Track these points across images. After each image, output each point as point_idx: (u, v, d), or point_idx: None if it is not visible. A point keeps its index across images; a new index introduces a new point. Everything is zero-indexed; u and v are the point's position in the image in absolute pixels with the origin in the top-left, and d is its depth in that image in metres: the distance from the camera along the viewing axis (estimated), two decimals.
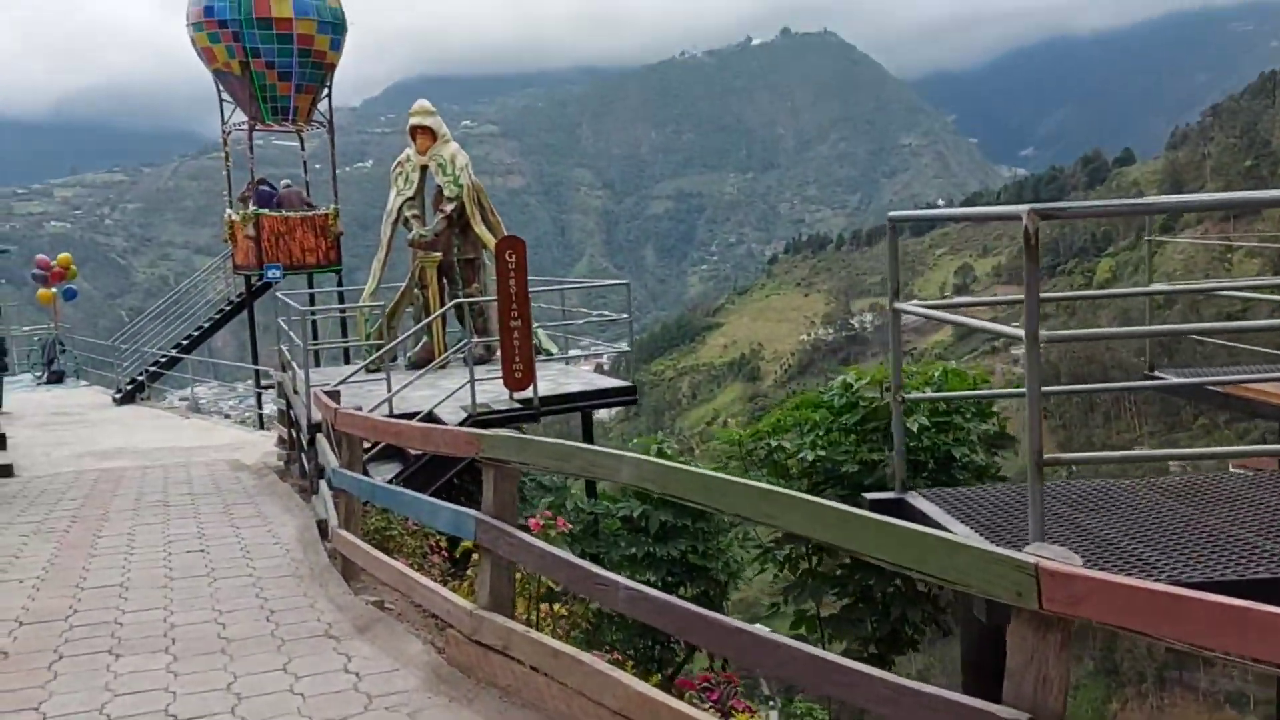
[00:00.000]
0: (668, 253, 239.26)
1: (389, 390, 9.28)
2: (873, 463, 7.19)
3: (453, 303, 11.82)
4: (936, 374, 7.45)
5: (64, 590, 6.12)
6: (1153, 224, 7.41)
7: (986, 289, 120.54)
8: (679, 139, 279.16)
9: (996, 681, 2.31)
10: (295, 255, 20.27)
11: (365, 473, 7.00)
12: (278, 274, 18.34)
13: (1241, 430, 55.35)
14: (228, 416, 21.76)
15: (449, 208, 12.64)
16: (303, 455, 10.77)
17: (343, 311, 19.31)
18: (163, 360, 20.26)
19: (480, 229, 12.74)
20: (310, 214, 20.92)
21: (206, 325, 20.96)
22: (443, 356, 11.06)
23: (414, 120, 12.90)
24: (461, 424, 8.61)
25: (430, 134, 12.81)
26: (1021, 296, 3.41)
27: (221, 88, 20.82)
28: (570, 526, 6.06)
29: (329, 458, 7.01)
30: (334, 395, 7.80)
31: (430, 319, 12.02)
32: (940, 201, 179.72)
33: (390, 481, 7.99)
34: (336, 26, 20.75)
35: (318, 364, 13.52)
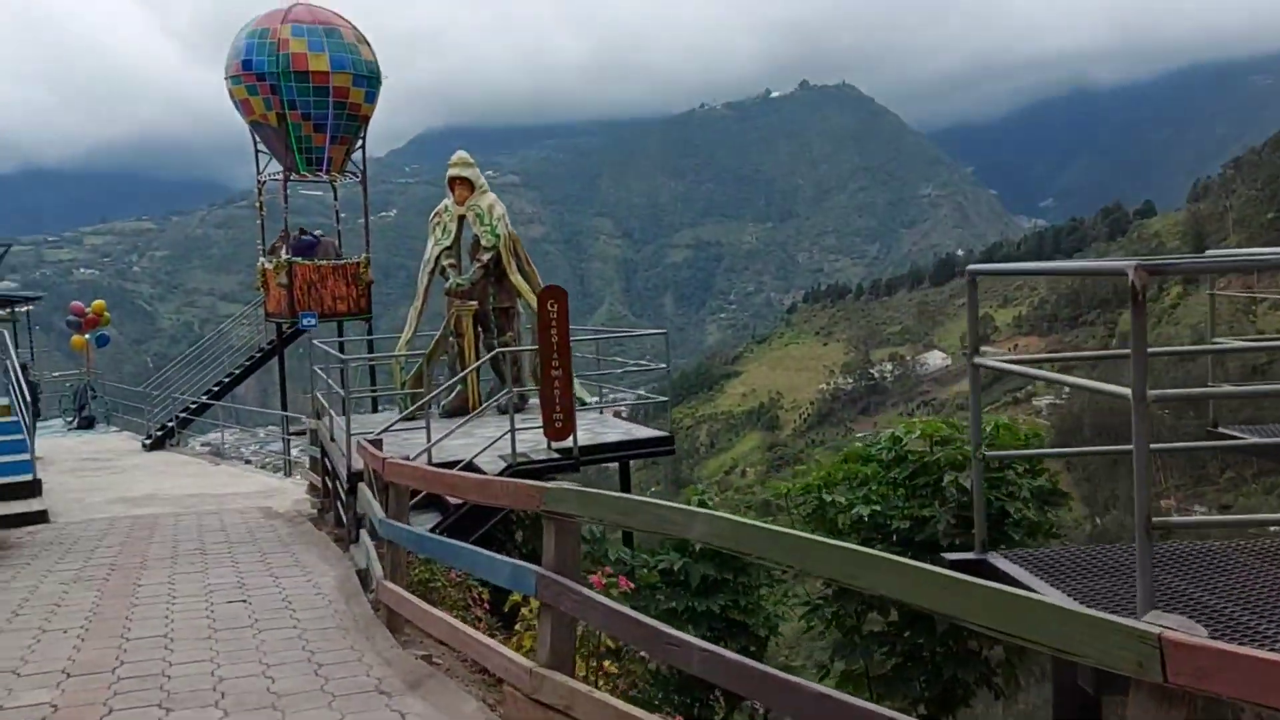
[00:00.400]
0: (686, 301, 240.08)
1: (428, 439, 9.25)
2: (922, 518, 7.08)
3: (494, 351, 11.84)
4: (988, 429, 7.36)
5: (109, 641, 6.08)
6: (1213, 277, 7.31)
7: (1007, 339, 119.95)
8: (698, 189, 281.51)
9: None
10: (327, 303, 20.43)
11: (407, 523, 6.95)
12: (313, 322, 18.47)
13: (1269, 485, 54.39)
14: (249, 462, 21.80)
15: (485, 257, 12.73)
16: (338, 503, 10.75)
17: (374, 360, 19.39)
18: (193, 406, 20.37)
19: (516, 278, 12.81)
20: (342, 263, 21.14)
21: (237, 372, 21.07)
22: (485, 405, 11.05)
23: (452, 171, 13.04)
24: (501, 474, 8.56)
25: (468, 185, 12.95)
26: (1128, 351, 3.34)
27: (258, 138, 21.17)
28: (632, 585, 5.97)
29: (373, 507, 6.97)
30: (376, 444, 7.80)
31: (471, 368, 12.04)
32: (959, 252, 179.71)
33: (432, 531, 7.93)
34: (371, 80, 21.11)
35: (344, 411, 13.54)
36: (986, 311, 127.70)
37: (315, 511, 12.01)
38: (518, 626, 5.83)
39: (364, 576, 7.88)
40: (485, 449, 9.20)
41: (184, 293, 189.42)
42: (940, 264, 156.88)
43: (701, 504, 8.56)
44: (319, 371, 12.36)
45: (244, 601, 7.09)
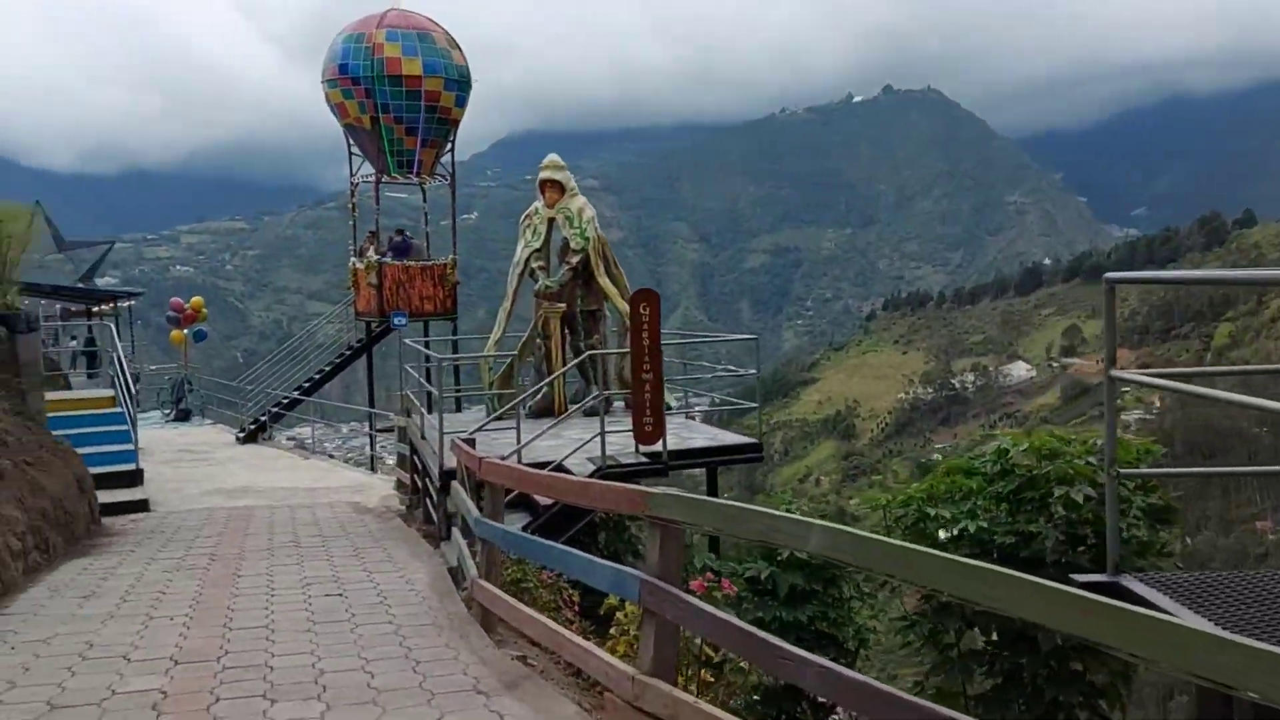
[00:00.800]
0: (763, 306, 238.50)
1: (518, 439, 9.30)
2: (1028, 534, 6.84)
3: (585, 354, 11.89)
4: (1098, 443, 7.08)
5: (213, 630, 6.21)
6: None
7: (1096, 352, 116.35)
8: (777, 194, 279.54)
9: None
10: (414, 303, 20.78)
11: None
12: (403, 321, 18.80)
13: None
14: (332, 456, 22.31)
15: (574, 259, 12.79)
16: (428, 500, 10.88)
17: (457, 360, 19.66)
18: (284, 402, 20.91)
19: (604, 281, 12.84)
20: (429, 263, 21.49)
21: (327, 369, 21.56)
22: (577, 407, 11.07)
23: (544, 174, 13.14)
24: (590, 476, 8.55)
25: (559, 188, 13.03)
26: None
27: (351, 141, 21.66)
28: (735, 590, 5.89)
29: (468, 506, 7.01)
30: (470, 443, 7.86)
31: (564, 369, 12.10)
32: (1046, 261, 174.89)
33: (523, 531, 7.96)
34: (462, 84, 21.43)
35: (430, 409, 13.73)
36: (1074, 322, 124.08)
37: (404, 507, 12.18)
38: (612, 631, 5.79)
39: (455, 574, 7.94)
40: (574, 451, 9.20)
41: (273, 291, 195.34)
42: (1026, 273, 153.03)
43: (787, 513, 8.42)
44: (409, 370, 12.55)
45: (340, 595, 7.19)
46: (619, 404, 12.41)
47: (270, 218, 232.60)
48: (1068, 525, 6.72)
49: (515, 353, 12.97)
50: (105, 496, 11.18)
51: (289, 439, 22.57)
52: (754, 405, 10.30)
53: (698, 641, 4.84)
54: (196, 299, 24.96)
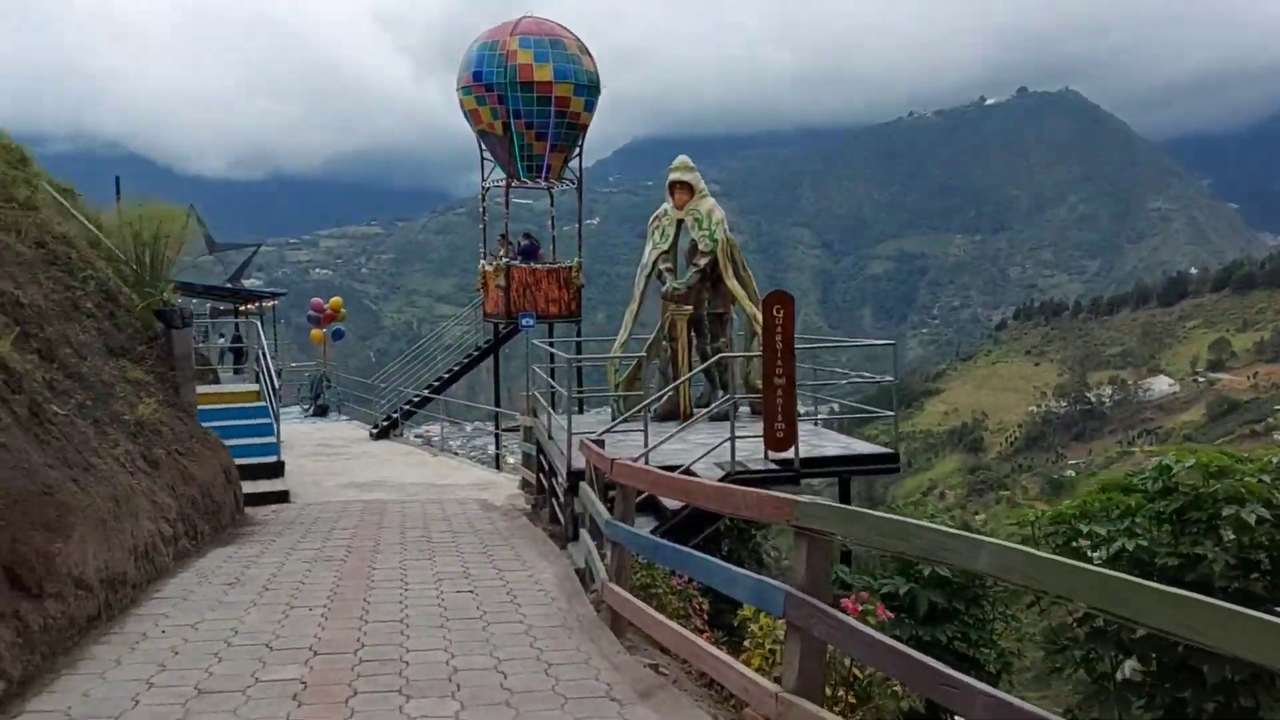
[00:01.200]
0: (886, 314, 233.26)
1: (645, 442, 9.20)
2: (1194, 557, 6.32)
3: (717, 356, 11.75)
4: (1276, 460, 6.51)
5: (350, 622, 6.30)
6: None
7: (1246, 367, 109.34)
8: (903, 199, 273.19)
9: None
10: (540, 305, 21.03)
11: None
12: (531, 323, 19.04)
13: None
14: (456, 454, 22.79)
15: (702, 261, 12.64)
16: (554, 500, 10.91)
17: (579, 361, 19.78)
18: (415, 400, 21.47)
19: (732, 284, 12.65)
20: (555, 266, 21.72)
21: (455, 369, 22.03)
22: (708, 410, 10.92)
23: (673, 175, 13.05)
24: (720, 481, 8.37)
25: (688, 189, 12.91)
26: None
27: (484, 147, 22.09)
28: (890, 614, 5.63)
29: (597, 508, 6.94)
30: (599, 445, 7.79)
31: (693, 373, 11.98)
32: (1193, 270, 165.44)
33: (651, 534, 7.84)
34: (591, 89, 21.59)
35: (553, 409, 13.79)
36: (1222, 335, 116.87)
37: (529, 506, 12.27)
38: (746, 643, 5.61)
39: (583, 575, 7.90)
40: (704, 456, 9.03)
41: (405, 293, 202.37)
42: (1170, 282, 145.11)
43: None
44: (536, 371, 12.64)
45: (471, 592, 7.22)
46: (744, 409, 12.20)
47: (403, 223, 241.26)
48: (1238, 549, 6.18)
49: (643, 354, 12.90)
50: (249, 487, 11.62)
51: (416, 436, 23.18)
52: (889, 413, 9.91)
53: (845, 661, 4.61)
54: (336, 299, 25.95)
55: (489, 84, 20.73)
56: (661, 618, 5.36)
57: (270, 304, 25.86)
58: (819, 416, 12.64)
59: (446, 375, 21.95)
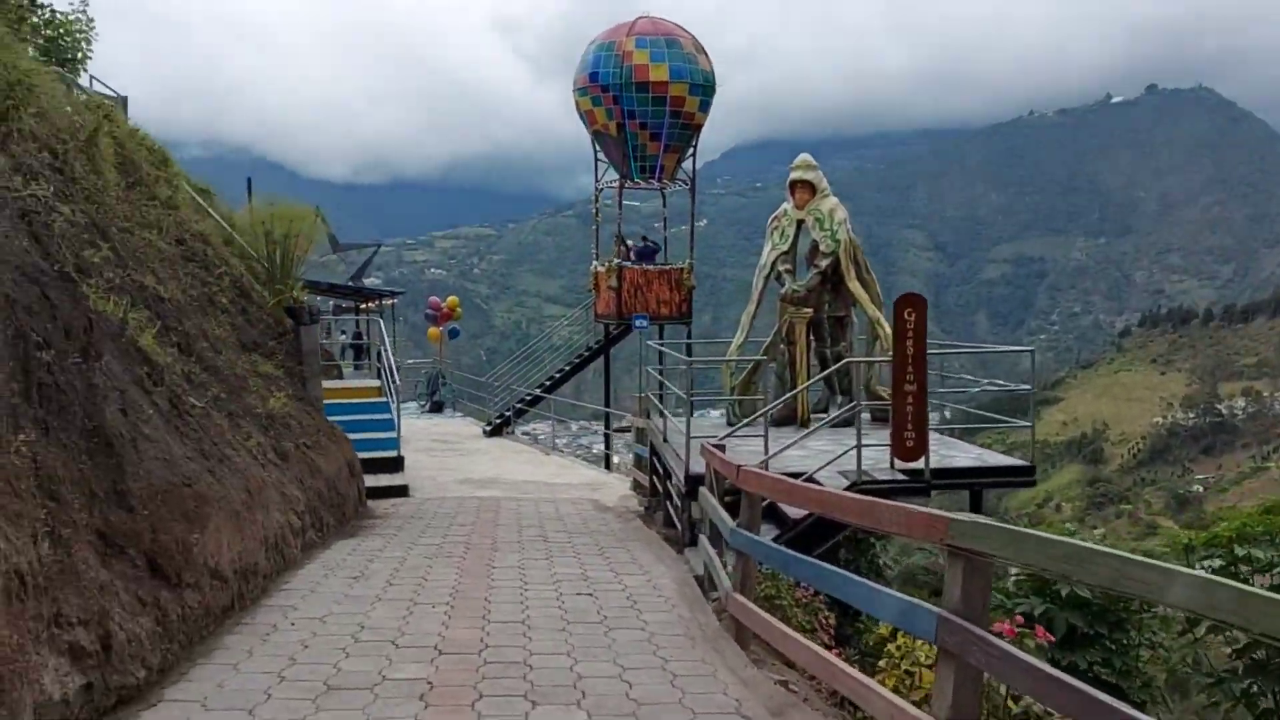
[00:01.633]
0: (1002, 320, 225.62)
1: (765, 448, 8.96)
2: None
3: (845, 360, 11.42)
4: None
5: (473, 621, 6.28)
6: None
7: None
8: (1021, 200, 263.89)
9: None
10: (651, 306, 20.97)
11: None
12: (645, 324, 18.97)
13: None
14: (562, 452, 22.91)
15: (824, 263, 12.31)
16: (667, 504, 10.77)
17: (690, 363, 19.63)
18: (528, 398, 21.67)
19: (854, 286, 12.29)
20: (667, 268, 21.62)
21: (566, 369, 22.15)
22: (838, 414, 10.61)
23: (794, 174, 12.75)
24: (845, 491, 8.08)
25: (810, 188, 12.60)
26: None
27: (598, 148, 22.15)
28: (1052, 638, 5.30)
29: (721, 515, 6.76)
30: (720, 449, 7.60)
31: (819, 376, 11.67)
32: None
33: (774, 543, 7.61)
34: (706, 89, 21.42)
35: (661, 411, 13.63)
36: None
37: (642, 509, 12.17)
38: (881, 663, 5.34)
39: (701, 582, 7.72)
40: (829, 464, 8.73)
41: (515, 293, 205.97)
42: None
43: None
44: (651, 372, 12.52)
45: (590, 595, 7.12)
46: (864, 415, 11.81)
47: (514, 224, 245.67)
48: None
49: (761, 357, 12.63)
50: (369, 480, 11.84)
51: (523, 434, 23.39)
52: (1025, 423, 9.42)
53: (1000, 689, 4.31)
54: (452, 298, 26.45)
55: (605, 85, 20.77)
56: (795, 634, 5.13)
57: (390, 302, 26.49)
58: (941, 427, 12.15)
59: (558, 375, 22.08)
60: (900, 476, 8.81)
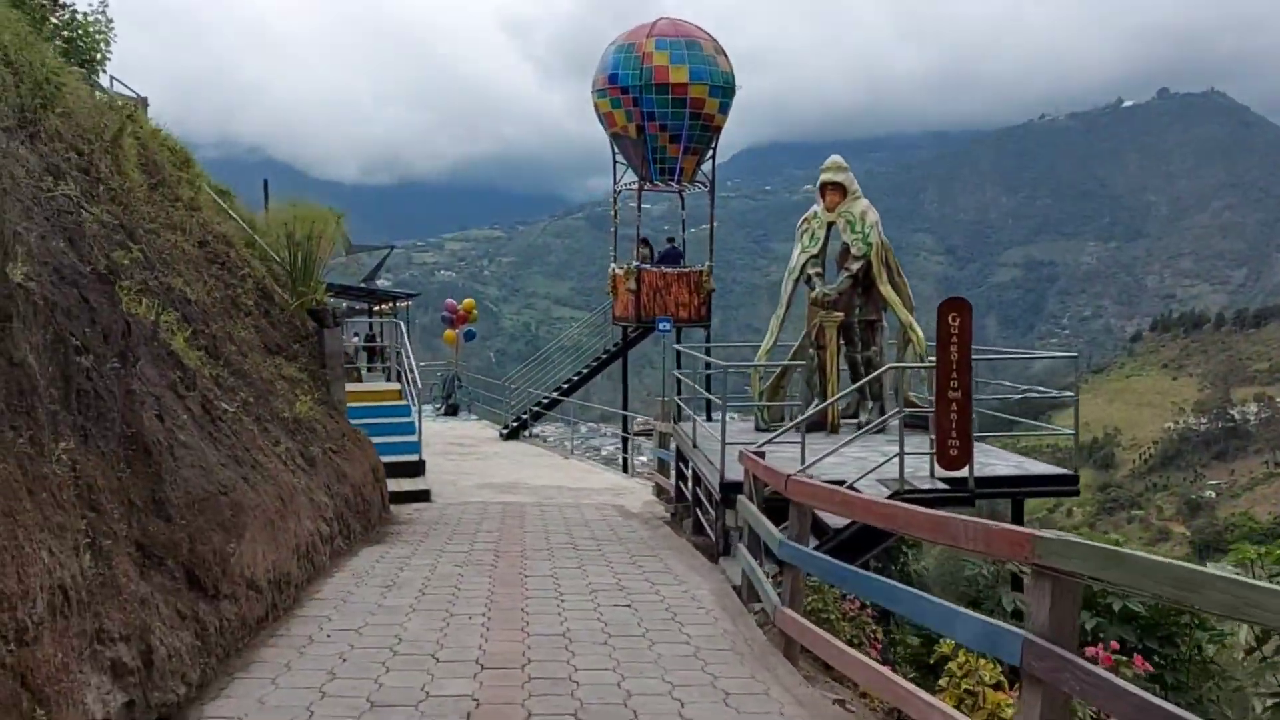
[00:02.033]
0: (1012, 324, 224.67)
1: (802, 456, 8.77)
2: None
3: (887, 366, 11.24)
4: None
5: (512, 634, 6.10)
6: None
7: None
8: (1032, 204, 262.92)
9: None
10: (670, 310, 20.78)
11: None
12: (668, 327, 18.80)
13: None
14: (570, 453, 22.73)
15: (855, 266, 12.12)
16: (697, 511, 10.59)
17: (708, 366, 19.45)
18: (544, 402, 21.51)
19: (886, 289, 12.09)
20: (686, 270, 21.44)
21: (585, 371, 21.98)
22: (874, 423, 10.41)
23: (825, 176, 12.56)
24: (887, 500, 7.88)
25: (840, 190, 12.41)
26: None
27: (616, 150, 21.98)
28: (1150, 668, 5.10)
29: (766, 527, 6.57)
30: (760, 457, 7.42)
31: (862, 382, 11.46)
32: None
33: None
34: (726, 90, 21.24)
35: (677, 416, 13.45)
36: None
37: (668, 515, 12.00)
38: (942, 682, 5.15)
39: (740, 592, 7.54)
40: (870, 473, 8.53)
41: (524, 295, 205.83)
42: None
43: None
44: (679, 377, 12.35)
45: (629, 606, 6.94)
46: (893, 422, 11.60)
47: (524, 226, 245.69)
48: None
49: (799, 362, 12.42)
50: (391, 485, 11.67)
51: (533, 436, 23.24)
52: (1069, 432, 9.19)
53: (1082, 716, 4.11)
54: (468, 301, 26.33)
55: (624, 87, 20.61)
56: (856, 653, 4.94)
57: (404, 304, 26.38)
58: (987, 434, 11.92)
59: (575, 378, 21.92)
60: (941, 485, 8.62)
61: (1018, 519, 8.92)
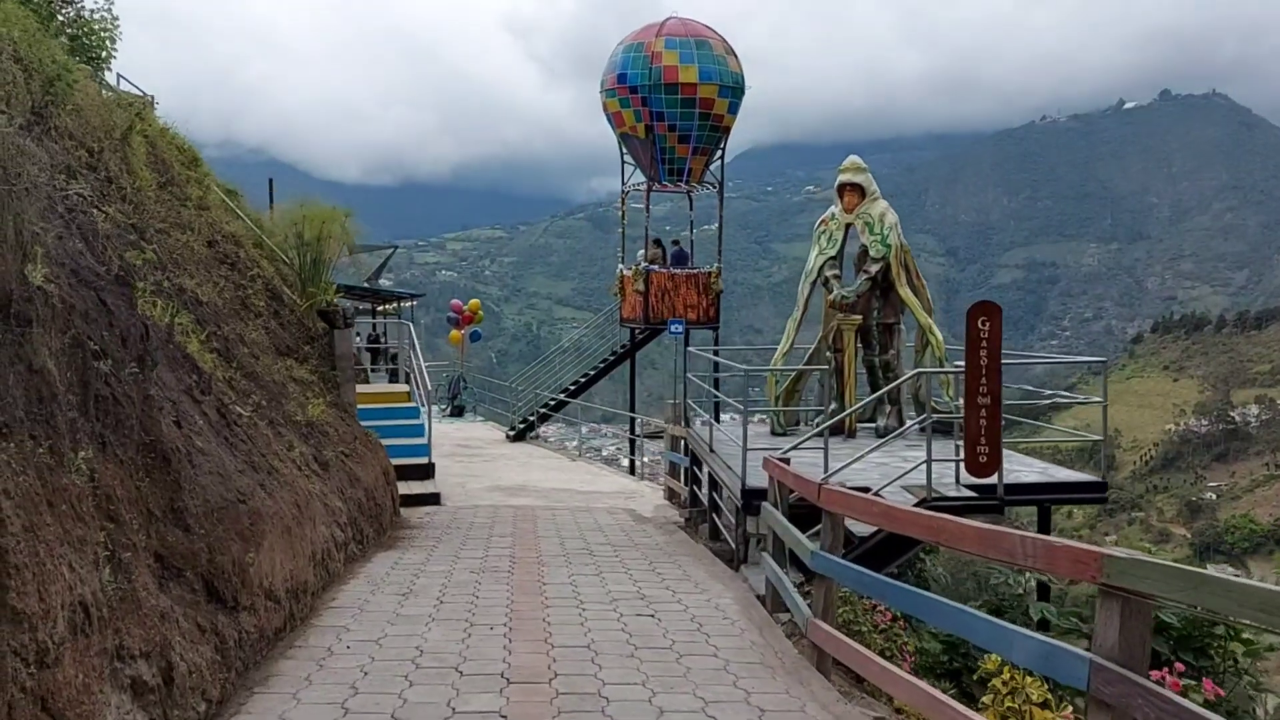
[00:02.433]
0: (1013, 326, 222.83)
1: (825, 463, 8.60)
2: None
3: (914, 372, 11.06)
4: None
5: (536, 645, 5.94)
6: None
7: None
8: (1033, 206, 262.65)
9: None
10: (679, 311, 20.62)
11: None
12: (680, 329, 18.64)
13: None
14: (576, 455, 22.57)
15: (873, 268, 11.95)
16: (714, 516, 10.43)
17: (716, 368, 19.29)
18: (551, 403, 21.34)
19: (905, 292, 11.92)
20: (694, 271, 21.29)
21: (593, 373, 21.82)
22: (905, 427, 10.24)
23: (843, 177, 12.39)
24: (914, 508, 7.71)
25: (859, 191, 12.23)
26: None
27: (625, 150, 21.82)
28: (1221, 692, 4.94)
29: (795, 535, 6.41)
30: (785, 463, 7.26)
31: (892, 385, 11.28)
32: None
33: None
34: (735, 90, 21.09)
35: (686, 419, 13.26)
36: None
37: (682, 520, 11.83)
38: (985, 699, 4.98)
39: (764, 601, 7.38)
40: (895, 480, 8.36)
41: (525, 296, 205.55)
42: None
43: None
44: (694, 379, 12.18)
45: (652, 616, 6.78)
46: (915, 428, 11.45)
47: (525, 227, 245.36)
48: None
49: (814, 366, 12.25)
50: (401, 488, 11.50)
51: (532, 436, 23.10)
52: (1098, 439, 9.04)
53: None
54: (474, 301, 26.19)
55: (633, 86, 20.46)
56: (897, 670, 4.77)
57: (409, 304, 26.23)
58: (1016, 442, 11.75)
59: (583, 379, 21.75)
60: (968, 493, 8.45)
61: (1044, 528, 8.76)
